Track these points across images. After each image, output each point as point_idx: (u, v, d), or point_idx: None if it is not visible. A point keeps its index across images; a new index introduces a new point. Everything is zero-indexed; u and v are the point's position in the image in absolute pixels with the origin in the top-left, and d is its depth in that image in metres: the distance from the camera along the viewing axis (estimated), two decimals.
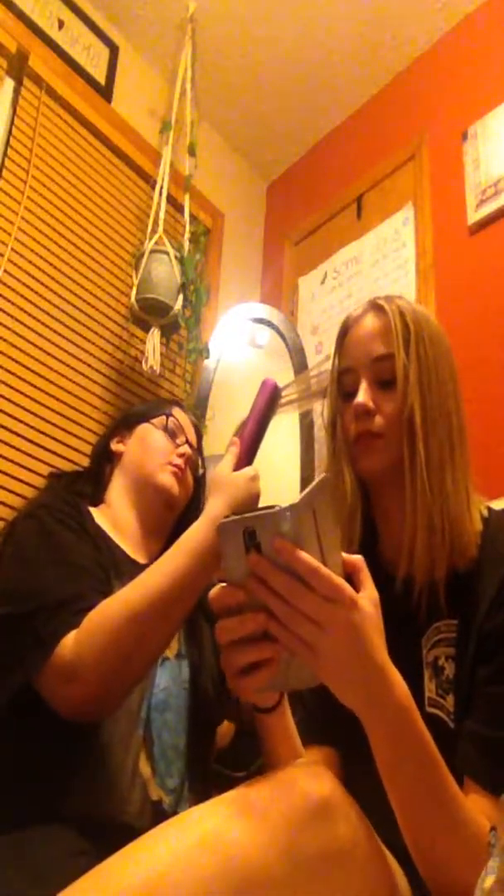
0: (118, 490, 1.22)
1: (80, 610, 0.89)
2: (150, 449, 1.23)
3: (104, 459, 1.28)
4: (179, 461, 1.22)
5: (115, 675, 0.85)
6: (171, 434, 1.25)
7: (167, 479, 1.19)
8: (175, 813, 0.94)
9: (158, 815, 0.91)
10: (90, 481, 1.28)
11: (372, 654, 0.61)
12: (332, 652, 0.60)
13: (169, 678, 1.03)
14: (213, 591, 0.64)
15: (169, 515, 1.23)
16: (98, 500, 1.23)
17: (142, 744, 0.95)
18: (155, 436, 1.24)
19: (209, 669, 1.11)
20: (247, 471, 0.97)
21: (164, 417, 1.26)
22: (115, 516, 1.19)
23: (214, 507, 0.94)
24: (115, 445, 1.28)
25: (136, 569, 1.04)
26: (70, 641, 0.87)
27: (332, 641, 0.59)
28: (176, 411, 1.29)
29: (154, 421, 1.26)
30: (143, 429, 1.26)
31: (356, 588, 0.64)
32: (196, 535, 0.92)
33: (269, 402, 1.00)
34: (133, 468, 1.22)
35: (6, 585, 0.97)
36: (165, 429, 1.25)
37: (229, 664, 0.63)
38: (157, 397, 2.24)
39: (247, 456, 0.99)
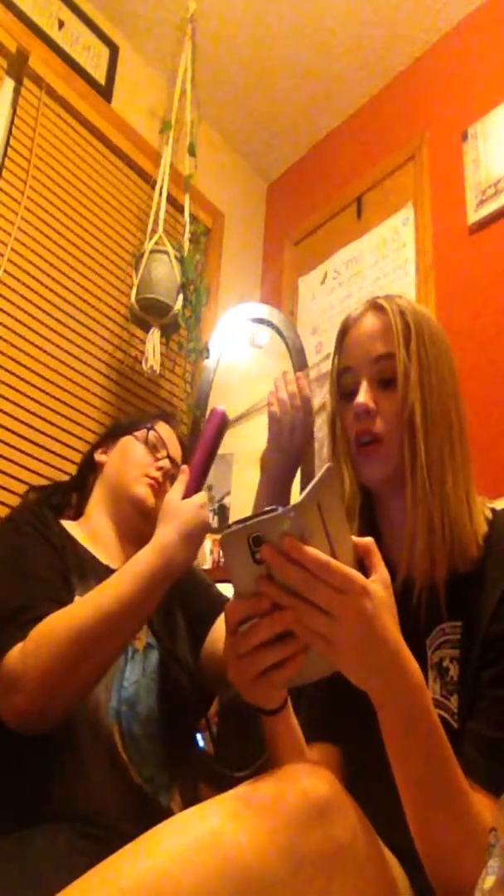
0: (97, 500, 1.24)
1: (28, 621, 0.91)
2: (129, 461, 1.24)
3: (88, 470, 1.30)
4: (157, 474, 1.22)
5: (57, 689, 0.87)
6: (152, 447, 1.26)
7: (142, 491, 1.20)
8: (157, 800, 0.96)
9: (142, 801, 0.94)
10: (73, 492, 1.30)
11: (386, 637, 0.62)
12: (346, 641, 0.60)
13: (139, 671, 1.05)
14: (230, 606, 0.63)
15: (145, 527, 1.21)
16: (80, 511, 1.26)
17: (115, 735, 0.97)
18: (135, 448, 1.25)
19: (182, 659, 1.12)
20: (196, 498, 1.01)
21: (145, 431, 1.27)
22: (93, 527, 1.20)
23: (164, 534, 0.97)
24: (98, 456, 1.29)
25: (107, 572, 1.05)
26: (16, 653, 0.88)
27: (347, 631, 0.60)
28: (160, 425, 1.30)
29: (136, 434, 1.27)
30: (126, 441, 1.27)
31: (368, 571, 0.64)
32: (143, 560, 0.94)
33: (218, 430, 1.06)
34: (112, 479, 1.24)
35: None
36: (146, 442, 1.26)
37: (247, 671, 0.63)
38: (158, 397, 2.24)
39: (195, 483, 1.04)
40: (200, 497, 1.02)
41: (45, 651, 0.87)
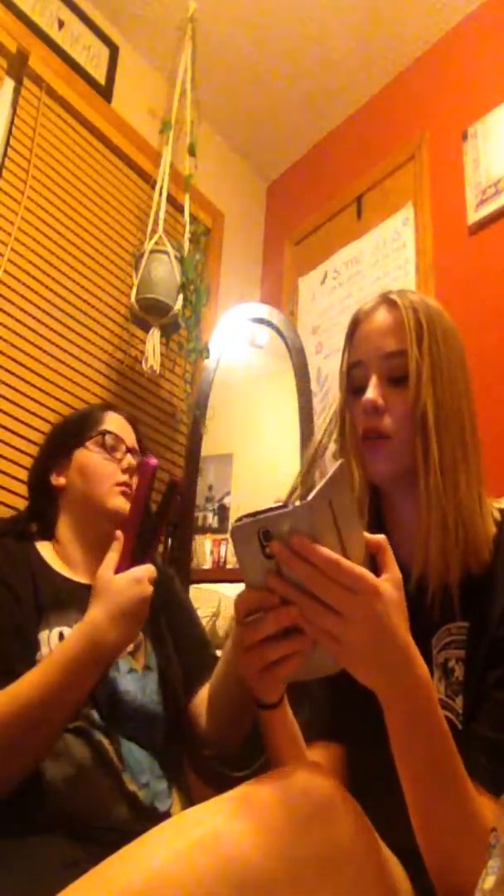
0: (67, 526, 1.17)
1: None
2: (93, 476, 1.15)
3: (45, 496, 1.20)
4: (125, 477, 1.16)
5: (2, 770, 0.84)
6: (111, 450, 1.17)
7: (118, 502, 1.13)
8: (154, 806, 0.95)
9: (138, 807, 0.93)
10: (34, 520, 1.20)
11: (395, 638, 0.61)
12: (355, 641, 0.60)
13: (136, 689, 1.03)
14: (239, 596, 0.64)
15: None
16: (48, 535, 1.18)
17: (107, 747, 0.95)
18: (94, 460, 1.16)
19: (175, 680, 1.11)
20: (131, 572, 0.93)
21: (99, 437, 1.18)
22: (66, 553, 1.15)
23: (90, 615, 0.91)
24: (55, 480, 1.19)
25: (87, 594, 1.02)
26: None
27: (356, 631, 0.60)
28: (109, 420, 1.21)
29: (89, 444, 1.18)
30: (81, 455, 1.17)
31: (379, 568, 0.64)
32: (69, 646, 0.89)
33: (150, 484, 0.98)
34: (80, 500, 1.16)
35: None
36: (103, 447, 1.17)
37: (254, 663, 0.64)
38: (158, 397, 2.24)
39: (132, 554, 0.95)
40: (137, 570, 0.93)
41: None
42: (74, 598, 1.02)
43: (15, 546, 1.11)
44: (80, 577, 1.11)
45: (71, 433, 1.21)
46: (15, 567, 1.05)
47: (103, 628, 0.89)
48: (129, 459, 1.19)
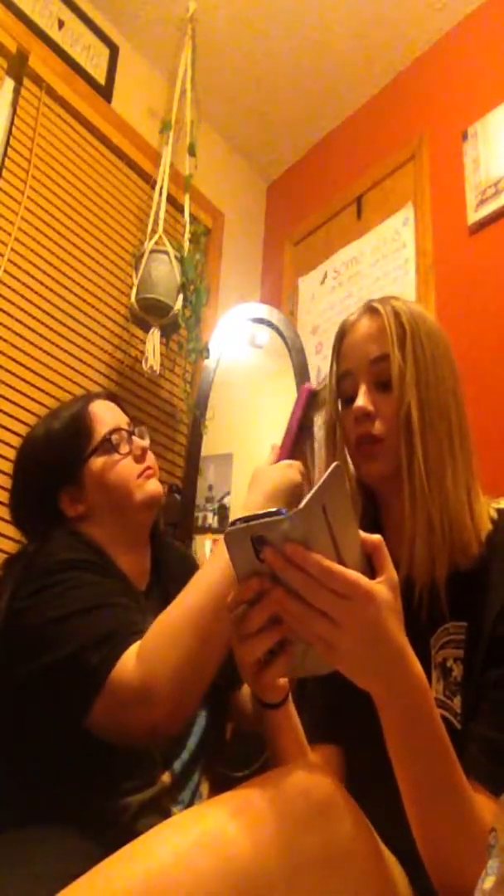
0: (98, 536, 1.06)
1: (132, 633, 0.86)
2: (117, 484, 1.07)
3: (55, 521, 1.07)
4: (143, 465, 1.10)
5: (190, 681, 0.83)
6: (117, 447, 1.08)
7: (149, 489, 1.08)
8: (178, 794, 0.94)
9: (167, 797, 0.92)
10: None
11: (389, 642, 0.61)
12: (348, 646, 0.60)
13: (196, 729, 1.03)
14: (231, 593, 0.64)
15: (153, 516, 1.14)
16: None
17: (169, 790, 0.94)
18: (111, 471, 1.07)
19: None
20: (282, 462, 1.00)
21: (105, 443, 1.07)
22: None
23: (249, 500, 0.96)
24: (73, 510, 1.07)
25: (143, 599, 1.03)
26: (130, 663, 0.82)
27: (349, 637, 0.60)
28: (96, 415, 1.10)
29: (94, 459, 1.07)
30: (92, 473, 1.07)
31: (375, 569, 0.64)
32: None
33: (304, 405, 1.09)
34: (111, 512, 1.07)
35: (42, 637, 0.88)
36: (112, 450, 1.08)
37: (246, 658, 0.64)
38: (158, 397, 2.24)
39: (285, 453, 1.04)
40: (287, 462, 1.01)
41: (169, 644, 0.82)
42: (143, 610, 0.99)
43: (97, 549, 1.02)
44: (137, 584, 1.07)
45: (68, 451, 1.08)
46: (103, 562, 1.00)
47: (261, 509, 0.90)
48: (137, 441, 1.11)
